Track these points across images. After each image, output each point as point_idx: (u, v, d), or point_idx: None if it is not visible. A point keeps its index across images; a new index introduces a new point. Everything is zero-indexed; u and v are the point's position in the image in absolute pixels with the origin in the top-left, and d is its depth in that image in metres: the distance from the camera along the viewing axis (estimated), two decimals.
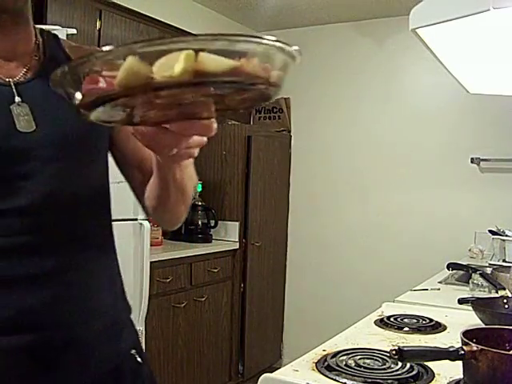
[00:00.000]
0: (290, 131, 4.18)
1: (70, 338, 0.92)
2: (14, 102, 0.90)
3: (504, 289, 1.77)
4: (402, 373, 1.07)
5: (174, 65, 0.51)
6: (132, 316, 1.09)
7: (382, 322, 1.50)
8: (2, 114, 0.89)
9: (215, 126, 0.67)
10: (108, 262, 1.03)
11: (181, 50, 0.51)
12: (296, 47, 0.62)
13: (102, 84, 0.55)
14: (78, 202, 0.95)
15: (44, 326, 0.89)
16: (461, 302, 1.58)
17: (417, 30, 1.46)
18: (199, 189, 3.53)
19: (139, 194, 1.04)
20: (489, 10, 1.18)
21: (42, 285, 0.89)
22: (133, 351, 1.04)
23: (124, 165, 1.06)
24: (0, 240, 0.87)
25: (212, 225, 3.57)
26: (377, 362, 1.14)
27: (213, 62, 0.52)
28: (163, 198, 0.95)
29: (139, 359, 1.04)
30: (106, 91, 0.54)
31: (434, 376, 1.07)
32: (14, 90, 0.91)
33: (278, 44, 0.58)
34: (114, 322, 1.01)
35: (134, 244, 2.66)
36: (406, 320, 1.53)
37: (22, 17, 0.94)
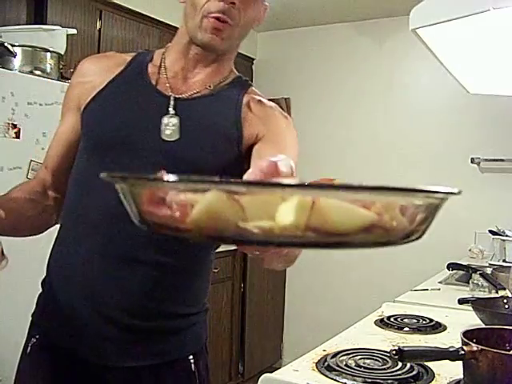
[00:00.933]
0: None
1: (141, 326, 1.02)
2: (168, 114, 1.02)
3: (504, 289, 1.77)
4: (402, 373, 1.07)
5: (274, 209, 0.37)
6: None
7: (382, 322, 1.50)
8: (152, 122, 1.02)
9: None
10: (198, 265, 1.10)
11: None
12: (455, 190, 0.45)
13: (166, 210, 0.42)
14: None
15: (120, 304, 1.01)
16: (461, 302, 1.58)
17: (417, 30, 1.46)
18: None
19: None
20: (489, 10, 1.18)
21: (129, 267, 1.00)
22: (190, 357, 1.09)
23: None
24: (93, 216, 1.02)
25: None
26: (377, 362, 1.14)
27: (338, 215, 0.37)
28: None
29: (193, 367, 1.08)
30: (175, 221, 0.41)
31: (434, 376, 1.07)
32: (172, 103, 1.03)
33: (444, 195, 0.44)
34: (178, 321, 1.07)
35: None
36: (406, 320, 1.53)
37: (222, 56, 1.08)
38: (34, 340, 1.06)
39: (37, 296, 1.12)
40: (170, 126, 1.01)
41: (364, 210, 0.38)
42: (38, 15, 2.61)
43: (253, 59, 4.28)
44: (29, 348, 1.06)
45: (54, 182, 1.11)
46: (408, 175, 3.77)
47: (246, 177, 0.58)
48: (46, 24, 2.55)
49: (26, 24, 2.55)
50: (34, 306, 1.11)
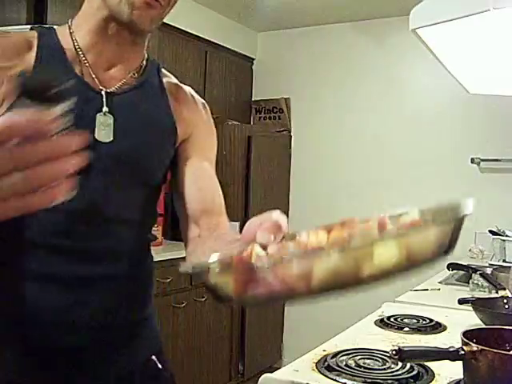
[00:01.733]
0: (290, 131, 4.18)
1: (101, 339, 0.97)
2: (101, 111, 0.94)
3: (504, 289, 1.77)
4: (402, 373, 1.07)
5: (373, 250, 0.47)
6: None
7: (382, 322, 1.50)
8: (86, 121, 0.92)
9: None
10: (143, 272, 1.06)
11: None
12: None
13: (264, 284, 0.49)
14: (119, 221, 0.98)
15: (68, 326, 0.94)
16: (461, 302, 1.57)
17: (417, 30, 1.46)
18: None
19: (184, 238, 1.06)
20: (489, 10, 1.18)
21: (73, 287, 0.94)
22: (153, 357, 1.07)
23: (182, 209, 1.06)
24: (32, 236, 0.92)
25: None
26: (377, 362, 1.14)
27: (420, 246, 0.51)
28: None
29: (159, 365, 1.07)
30: (272, 291, 0.48)
31: (434, 376, 1.07)
32: (104, 100, 0.95)
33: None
34: (136, 330, 1.05)
35: None
36: (406, 320, 1.53)
37: (142, 39, 1.00)
38: None
39: None
40: (104, 126, 0.94)
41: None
42: (37, 15, 2.61)
43: (253, 59, 4.28)
44: None
45: None
46: (408, 175, 3.77)
47: (259, 239, 0.63)
48: (46, 24, 2.55)
49: (26, 24, 2.55)
50: None
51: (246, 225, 0.67)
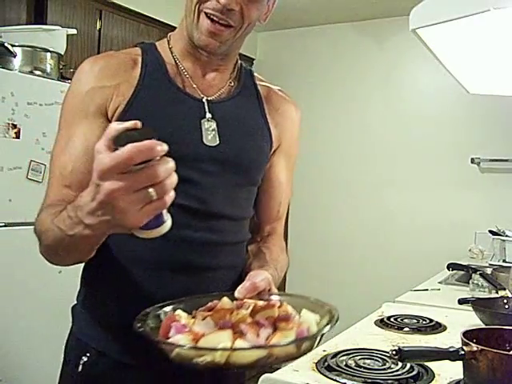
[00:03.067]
0: None
1: None
2: (205, 117, 1.02)
3: (504, 289, 1.77)
4: (402, 373, 1.07)
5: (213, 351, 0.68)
6: None
7: (382, 323, 1.50)
8: (191, 125, 1.01)
9: None
10: (235, 276, 1.10)
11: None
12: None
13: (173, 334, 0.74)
14: (224, 217, 1.05)
15: None
16: (461, 302, 1.58)
17: (417, 31, 1.46)
18: None
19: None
20: (489, 10, 1.18)
21: (186, 276, 1.01)
22: None
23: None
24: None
25: None
26: (377, 363, 1.14)
27: (241, 358, 0.69)
28: None
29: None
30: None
31: (434, 376, 1.07)
32: (206, 107, 1.03)
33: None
34: None
35: None
36: (406, 320, 1.53)
37: (226, 56, 1.06)
38: (84, 358, 1.04)
39: (71, 311, 1.10)
40: (210, 131, 1.02)
41: (257, 351, 0.70)
42: (38, 15, 2.61)
43: (253, 59, 4.28)
44: (80, 367, 1.04)
45: None
46: (408, 175, 3.77)
47: (236, 293, 0.87)
48: (46, 24, 2.55)
49: (26, 24, 2.55)
50: (72, 327, 1.09)
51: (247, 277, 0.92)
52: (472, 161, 3.54)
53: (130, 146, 0.62)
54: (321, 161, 4.06)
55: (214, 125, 1.02)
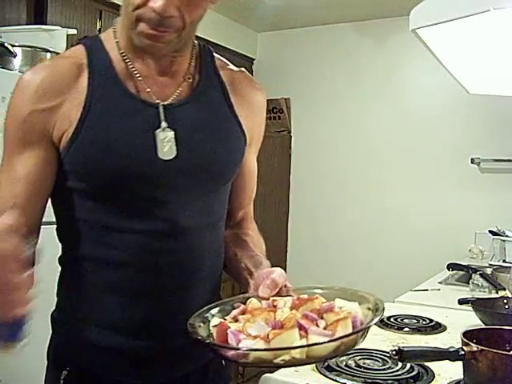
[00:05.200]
0: (290, 131, 4.18)
1: (171, 345, 0.98)
2: (160, 127, 0.92)
3: (504, 289, 1.77)
4: (402, 373, 1.07)
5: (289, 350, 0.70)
6: None
7: (382, 323, 1.50)
8: (146, 138, 0.91)
9: None
10: (216, 279, 1.08)
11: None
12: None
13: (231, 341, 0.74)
14: (197, 230, 0.98)
15: (150, 333, 0.97)
16: (461, 302, 1.58)
17: (417, 31, 1.46)
18: None
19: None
20: (489, 10, 1.18)
21: (162, 299, 0.96)
22: None
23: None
24: (119, 255, 0.93)
25: None
26: (377, 363, 1.14)
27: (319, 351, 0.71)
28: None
29: (223, 362, 1.08)
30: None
31: (434, 376, 1.07)
32: (162, 115, 0.93)
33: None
34: None
35: None
36: (406, 320, 1.53)
37: (178, 51, 0.95)
38: (65, 372, 1.00)
39: (50, 318, 1.07)
40: (166, 142, 0.92)
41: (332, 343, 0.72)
42: (38, 15, 2.61)
43: (253, 59, 4.27)
44: (61, 381, 1.01)
45: (33, 225, 0.94)
46: (408, 175, 3.77)
47: (260, 293, 0.87)
48: (45, 24, 2.55)
49: (26, 24, 2.55)
50: (52, 336, 1.06)
51: (255, 276, 0.93)
52: (472, 161, 3.53)
53: None
54: (321, 161, 4.05)
55: (170, 134, 0.92)
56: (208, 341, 0.76)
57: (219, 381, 1.10)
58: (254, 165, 1.14)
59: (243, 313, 0.82)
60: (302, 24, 4.03)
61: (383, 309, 0.77)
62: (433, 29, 1.41)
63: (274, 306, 0.82)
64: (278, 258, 3.98)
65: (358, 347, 1.22)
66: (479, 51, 1.67)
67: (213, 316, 0.84)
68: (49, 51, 2.35)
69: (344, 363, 1.12)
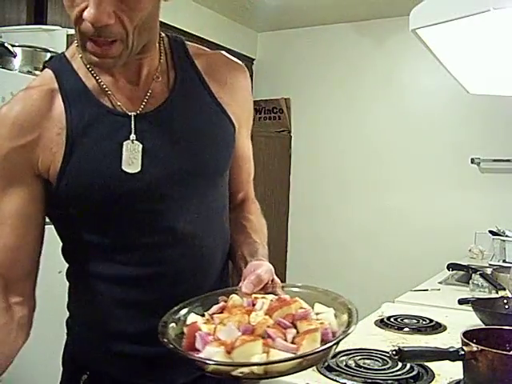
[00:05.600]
0: (290, 131, 4.18)
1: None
2: (129, 139, 0.89)
3: (504, 289, 1.77)
4: (402, 373, 1.07)
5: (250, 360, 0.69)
6: None
7: (382, 323, 1.50)
8: (113, 150, 0.88)
9: None
10: (223, 278, 1.06)
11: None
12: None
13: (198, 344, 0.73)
14: (199, 232, 0.97)
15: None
16: (461, 302, 1.58)
17: (417, 31, 1.45)
18: None
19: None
20: (489, 10, 1.18)
21: (165, 309, 0.93)
22: None
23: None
24: (126, 271, 0.93)
25: None
26: (377, 363, 1.14)
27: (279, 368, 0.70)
28: None
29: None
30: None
31: (434, 376, 1.07)
32: (133, 126, 0.89)
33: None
34: None
35: None
36: (406, 320, 1.53)
37: (140, 53, 0.89)
38: (85, 376, 0.99)
39: (66, 324, 1.06)
40: (133, 154, 0.88)
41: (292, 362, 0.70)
42: (38, 15, 2.61)
43: (253, 59, 4.27)
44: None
45: (16, 284, 0.90)
46: (408, 175, 3.77)
47: (243, 289, 0.85)
48: (46, 24, 2.55)
49: (26, 24, 2.55)
50: (67, 341, 1.06)
51: (244, 268, 0.91)
52: (472, 161, 3.53)
53: None
54: (321, 161, 4.05)
55: (138, 148, 0.88)
56: (171, 346, 0.74)
57: (233, 381, 1.10)
58: (248, 147, 1.11)
59: (222, 310, 0.81)
60: (302, 24, 4.03)
61: (355, 323, 0.75)
62: (433, 29, 1.41)
63: (254, 305, 0.81)
64: (278, 258, 3.98)
65: (357, 347, 1.23)
66: (479, 51, 1.67)
67: (189, 313, 0.83)
68: (49, 51, 2.35)
69: (344, 363, 1.12)
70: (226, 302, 0.84)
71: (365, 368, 1.10)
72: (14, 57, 2.26)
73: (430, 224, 3.66)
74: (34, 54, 2.31)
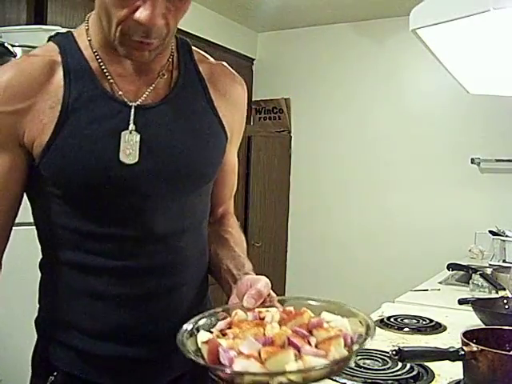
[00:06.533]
0: (290, 131, 4.18)
1: (152, 352, 0.97)
2: (127, 129, 0.88)
3: (504, 289, 1.77)
4: (402, 373, 1.07)
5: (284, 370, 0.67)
6: None
7: (383, 323, 1.50)
8: (111, 140, 0.87)
9: None
10: (202, 280, 1.05)
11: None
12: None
13: (223, 359, 0.71)
14: (176, 234, 0.96)
15: (135, 339, 0.95)
16: (461, 302, 1.58)
17: (417, 31, 1.45)
18: None
19: None
20: (489, 10, 1.18)
21: (140, 303, 0.94)
22: None
23: None
24: (100, 260, 0.92)
25: None
26: (377, 363, 1.14)
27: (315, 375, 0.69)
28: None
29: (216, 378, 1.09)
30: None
31: (434, 376, 1.07)
32: (132, 116, 0.89)
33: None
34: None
35: None
36: (406, 320, 1.53)
37: (160, 53, 0.91)
38: (51, 378, 0.98)
39: (34, 323, 1.04)
40: (130, 145, 0.88)
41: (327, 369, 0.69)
42: (38, 15, 2.61)
43: (253, 59, 4.28)
44: None
45: None
46: (408, 175, 3.77)
47: (245, 304, 0.83)
48: (46, 24, 2.55)
49: (26, 24, 2.54)
50: (37, 341, 1.04)
51: (239, 283, 0.89)
52: (472, 161, 3.54)
53: None
54: (320, 161, 4.06)
55: (135, 138, 0.88)
56: (203, 363, 0.73)
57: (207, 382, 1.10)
58: (235, 160, 1.11)
59: (230, 325, 0.80)
60: (302, 24, 4.03)
61: (374, 327, 0.75)
62: (433, 29, 1.41)
63: (261, 319, 0.80)
64: (278, 258, 3.98)
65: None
66: (479, 51, 1.67)
67: (198, 329, 0.81)
68: None
69: None
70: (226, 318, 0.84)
71: (365, 368, 1.10)
72: (14, 57, 2.26)
73: (430, 224, 3.66)
74: None
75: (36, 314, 1.04)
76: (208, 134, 0.97)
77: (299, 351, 0.71)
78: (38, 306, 1.04)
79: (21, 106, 0.85)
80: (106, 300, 0.94)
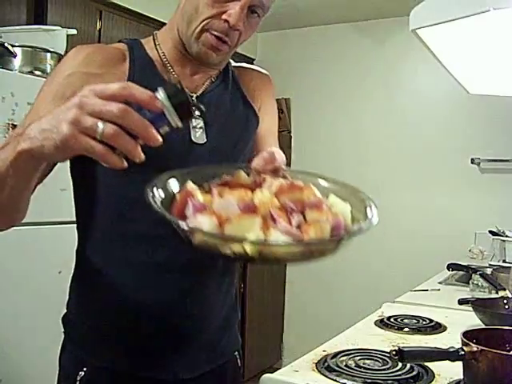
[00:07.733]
0: (290, 131, 4.18)
1: (194, 328, 1.02)
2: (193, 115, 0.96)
3: (504, 289, 1.77)
4: (402, 373, 1.07)
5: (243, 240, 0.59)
6: None
7: (382, 323, 1.50)
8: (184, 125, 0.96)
9: None
10: (232, 269, 1.12)
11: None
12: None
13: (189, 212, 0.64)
14: None
15: (175, 313, 0.99)
16: (461, 302, 1.58)
17: (417, 31, 1.46)
18: None
19: None
20: (489, 10, 1.18)
21: (180, 275, 0.98)
22: (236, 353, 1.18)
23: None
24: (141, 229, 0.96)
25: None
26: (377, 363, 1.14)
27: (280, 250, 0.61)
28: None
29: (239, 363, 1.18)
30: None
31: (434, 377, 1.07)
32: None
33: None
34: (225, 323, 1.11)
35: None
36: (406, 320, 1.53)
37: (217, 65, 1.06)
38: (81, 373, 0.99)
39: (62, 321, 1.06)
40: (198, 128, 1.01)
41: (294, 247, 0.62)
42: (37, 15, 2.61)
43: (253, 59, 4.27)
44: (77, 383, 1.00)
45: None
46: (408, 175, 3.77)
47: (253, 163, 0.78)
48: (46, 24, 2.55)
49: (26, 24, 2.55)
50: (65, 340, 1.05)
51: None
52: (472, 161, 3.54)
53: (141, 89, 0.62)
54: (320, 161, 4.05)
55: (201, 123, 1.02)
56: (159, 210, 0.63)
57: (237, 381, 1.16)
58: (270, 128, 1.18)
59: (224, 185, 0.71)
60: (302, 24, 4.03)
61: (373, 219, 0.65)
62: (433, 29, 1.41)
63: (261, 186, 0.71)
64: None
65: (357, 347, 1.23)
66: (479, 51, 1.67)
67: (186, 180, 0.72)
68: (49, 51, 2.35)
69: (344, 363, 1.12)
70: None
71: (365, 368, 1.10)
72: (14, 57, 2.26)
73: (430, 224, 3.66)
74: (34, 54, 2.31)
75: (62, 313, 1.07)
76: (245, 125, 1.10)
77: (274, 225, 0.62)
78: (65, 305, 1.07)
79: (95, 71, 0.95)
80: (144, 270, 0.97)
